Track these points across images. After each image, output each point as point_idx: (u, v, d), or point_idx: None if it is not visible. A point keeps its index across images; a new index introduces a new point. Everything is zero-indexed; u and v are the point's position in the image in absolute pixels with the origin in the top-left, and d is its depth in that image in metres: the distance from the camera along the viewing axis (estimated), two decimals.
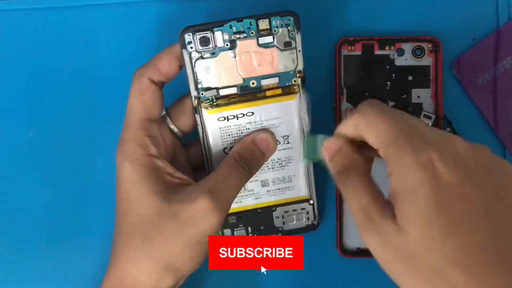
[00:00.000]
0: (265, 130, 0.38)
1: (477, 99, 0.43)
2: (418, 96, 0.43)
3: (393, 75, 0.43)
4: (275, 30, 0.36)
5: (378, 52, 0.43)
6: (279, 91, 0.37)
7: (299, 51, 0.37)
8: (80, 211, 0.44)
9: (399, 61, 0.43)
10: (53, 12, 0.44)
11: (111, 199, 0.44)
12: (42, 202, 0.44)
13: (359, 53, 0.43)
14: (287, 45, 0.37)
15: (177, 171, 0.37)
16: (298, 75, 0.37)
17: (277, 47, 0.36)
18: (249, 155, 0.37)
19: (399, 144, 0.31)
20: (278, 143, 0.38)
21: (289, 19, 0.36)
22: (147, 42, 0.44)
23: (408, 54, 0.43)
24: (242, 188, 0.39)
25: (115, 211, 0.37)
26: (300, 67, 0.37)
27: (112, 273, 0.37)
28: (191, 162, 0.40)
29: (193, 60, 0.36)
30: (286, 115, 0.38)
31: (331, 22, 0.44)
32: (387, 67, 0.43)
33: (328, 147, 0.35)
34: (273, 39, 0.36)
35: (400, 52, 0.43)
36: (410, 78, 0.43)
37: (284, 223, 0.41)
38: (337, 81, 0.43)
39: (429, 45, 0.42)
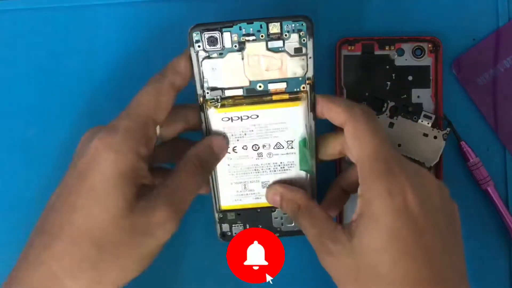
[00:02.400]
0: (218, 134, 0.38)
1: (477, 99, 0.43)
2: (418, 96, 0.43)
3: (393, 75, 0.43)
4: (286, 35, 0.35)
5: (378, 52, 0.43)
6: (286, 96, 0.37)
7: (310, 57, 0.36)
8: None
9: (399, 61, 0.43)
10: (53, 12, 0.44)
11: None
12: (42, 202, 0.44)
13: (359, 53, 0.43)
14: (298, 51, 0.35)
15: (149, 176, 0.35)
16: (307, 81, 0.36)
17: (287, 53, 0.35)
18: (207, 159, 0.37)
19: (377, 168, 0.33)
20: (281, 147, 0.38)
21: (302, 25, 0.35)
22: (147, 42, 0.44)
23: (408, 54, 0.43)
24: (243, 187, 0.39)
25: (54, 196, 0.33)
26: (310, 74, 0.36)
27: (34, 272, 0.32)
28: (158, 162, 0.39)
29: (200, 59, 0.36)
30: (292, 121, 0.37)
31: (331, 22, 0.44)
32: (387, 67, 0.43)
33: (272, 197, 0.39)
34: (283, 44, 0.35)
35: (400, 52, 0.43)
36: (410, 78, 0.43)
37: (282, 224, 0.40)
38: (337, 81, 0.43)
39: (429, 45, 0.42)
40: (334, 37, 0.43)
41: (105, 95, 0.44)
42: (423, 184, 0.33)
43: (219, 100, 0.37)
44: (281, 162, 0.39)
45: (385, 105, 0.42)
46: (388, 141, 0.34)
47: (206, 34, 0.35)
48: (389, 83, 0.43)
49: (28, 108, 0.44)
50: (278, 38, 0.35)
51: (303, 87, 0.36)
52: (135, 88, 0.44)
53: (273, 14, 0.35)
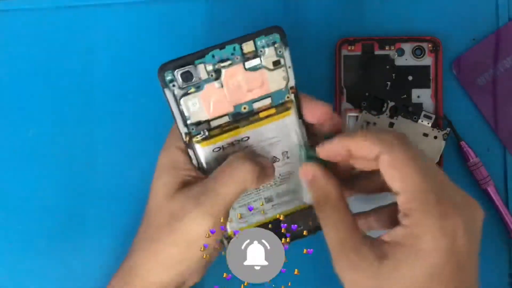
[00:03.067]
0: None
1: (477, 99, 0.43)
2: (418, 96, 0.43)
3: (393, 75, 0.43)
4: (261, 51, 0.33)
5: (378, 52, 0.43)
6: (273, 111, 0.35)
7: (289, 67, 0.34)
8: (80, 211, 0.44)
9: (399, 61, 0.43)
10: (53, 12, 0.44)
11: (111, 199, 0.44)
12: (42, 202, 0.44)
13: (359, 53, 0.43)
14: (276, 64, 0.34)
15: (194, 169, 0.36)
16: (291, 91, 0.35)
17: (266, 68, 0.34)
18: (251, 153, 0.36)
19: (427, 203, 0.30)
20: (277, 159, 0.37)
21: (275, 36, 0.33)
22: (147, 42, 0.44)
23: (408, 54, 0.43)
24: (247, 211, 0.38)
25: None
26: (292, 83, 0.34)
27: (123, 265, 0.37)
28: None
29: (178, 98, 0.33)
30: (283, 132, 0.36)
31: (331, 22, 0.44)
32: (387, 67, 0.43)
33: (305, 173, 0.34)
34: (261, 61, 0.33)
35: (400, 52, 0.43)
36: (410, 78, 0.43)
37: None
38: (337, 81, 0.43)
39: (429, 45, 0.42)
40: (334, 37, 0.43)
41: (105, 95, 0.44)
42: (473, 219, 0.31)
43: (207, 133, 0.35)
44: (280, 174, 0.38)
45: (385, 105, 0.42)
46: (431, 167, 0.31)
47: (179, 71, 0.33)
48: (389, 83, 0.43)
49: (28, 108, 0.44)
50: (254, 56, 0.33)
51: (288, 97, 0.35)
52: (135, 88, 0.44)
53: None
